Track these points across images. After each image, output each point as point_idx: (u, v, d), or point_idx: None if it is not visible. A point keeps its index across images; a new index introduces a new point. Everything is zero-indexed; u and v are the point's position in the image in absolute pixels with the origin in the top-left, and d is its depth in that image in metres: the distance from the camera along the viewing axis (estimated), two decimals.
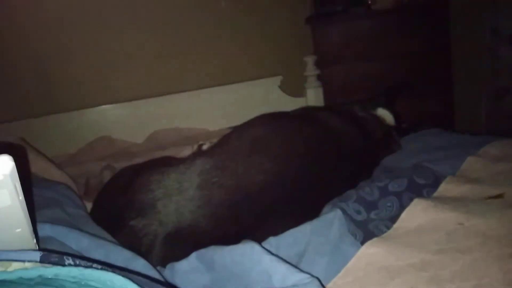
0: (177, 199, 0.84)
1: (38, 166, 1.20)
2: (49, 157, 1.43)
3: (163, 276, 0.73)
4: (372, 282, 0.66)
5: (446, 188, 0.90)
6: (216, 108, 1.94)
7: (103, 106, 1.86)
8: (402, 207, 0.83)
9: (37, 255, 0.44)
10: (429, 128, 1.30)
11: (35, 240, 0.51)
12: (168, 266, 0.78)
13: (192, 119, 1.90)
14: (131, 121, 1.87)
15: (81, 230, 0.78)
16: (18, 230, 0.46)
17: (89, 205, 1.05)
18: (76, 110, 1.83)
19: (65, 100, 1.84)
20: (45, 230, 0.72)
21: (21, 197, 0.43)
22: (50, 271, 0.40)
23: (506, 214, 0.76)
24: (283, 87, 2.00)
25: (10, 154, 0.40)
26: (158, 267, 0.77)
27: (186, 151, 1.44)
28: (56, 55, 1.81)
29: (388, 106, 1.34)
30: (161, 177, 0.88)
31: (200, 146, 1.41)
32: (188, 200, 0.84)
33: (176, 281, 0.74)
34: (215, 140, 1.17)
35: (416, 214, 0.79)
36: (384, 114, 1.32)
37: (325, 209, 0.89)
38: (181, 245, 0.81)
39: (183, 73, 1.96)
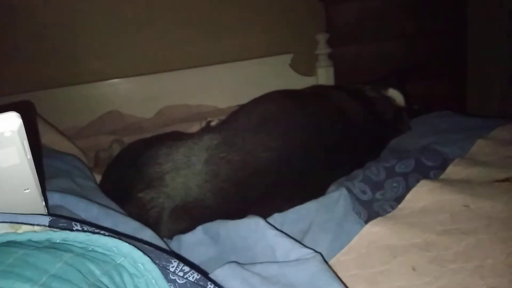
0: (185, 173, 0.85)
1: (48, 137, 1.21)
2: (59, 130, 1.44)
3: (169, 247, 0.75)
4: (375, 259, 0.67)
5: (453, 170, 0.90)
6: (226, 85, 1.93)
7: (113, 80, 1.86)
8: (408, 188, 0.83)
9: (46, 220, 0.45)
10: (440, 110, 1.29)
11: (44, 203, 0.51)
12: (175, 238, 0.80)
13: (202, 96, 1.90)
14: (140, 96, 1.87)
15: (90, 200, 0.80)
16: (27, 190, 0.46)
17: (98, 177, 1.06)
18: (86, 83, 1.84)
19: (76, 73, 1.84)
20: (55, 199, 0.74)
21: (29, 156, 0.43)
22: (58, 235, 0.41)
23: None
24: (294, 66, 1.97)
25: (18, 112, 0.40)
26: (165, 239, 0.79)
27: (195, 127, 1.45)
28: (66, 28, 1.81)
29: (399, 87, 1.32)
30: (169, 151, 0.89)
31: (209, 122, 1.41)
32: (195, 174, 0.85)
33: (182, 253, 0.76)
34: (223, 117, 1.17)
35: (422, 195, 0.79)
36: (395, 94, 1.30)
37: (331, 187, 0.90)
38: (188, 218, 0.82)
39: (194, 49, 1.94)
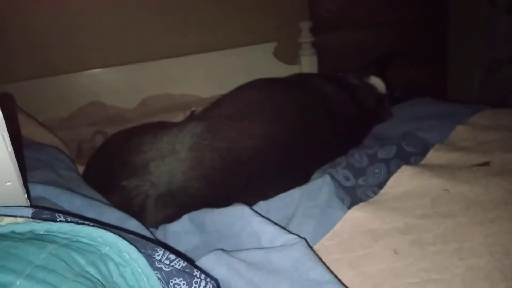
0: (169, 160, 0.85)
1: (29, 129, 1.19)
2: (40, 121, 1.41)
3: (155, 237, 0.75)
4: (357, 244, 0.68)
5: (434, 155, 0.92)
6: (209, 74, 1.91)
7: (95, 70, 1.82)
8: (389, 174, 0.85)
9: (29, 211, 0.45)
10: (421, 97, 1.31)
11: (26, 195, 0.51)
12: (160, 227, 0.80)
13: (185, 85, 1.88)
14: (123, 86, 1.84)
15: (73, 191, 0.79)
16: (8, 183, 0.46)
17: (81, 169, 1.05)
18: (67, 73, 1.80)
19: (56, 63, 1.80)
20: (37, 190, 0.73)
21: (10, 148, 0.43)
22: (42, 226, 0.41)
23: (491, 181, 0.78)
24: (278, 54, 1.97)
25: None
26: (151, 229, 0.79)
27: (179, 117, 1.44)
28: (47, 17, 1.76)
29: (380, 74, 1.33)
30: (153, 139, 0.89)
31: (193, 112, 1.41)
32: (180, 161, 0.85)
33: (168, 241, 0.76)
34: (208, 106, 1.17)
35: (403, 180, 0.81)
36: (377, 82, 1.31)
37: (315, 175, 0.91)
38: (173, 205, 0.82)
39: (176, 38, 1.91)
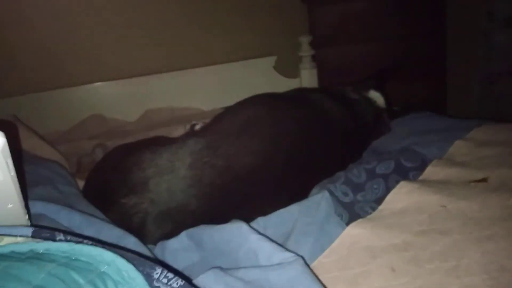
0: (168, 178, 0.85)
1: (29, 143, 1.20)
2: (40, 135, 1.42)
3: (153, 254, 0.75)
4: (355, 261, 0.69)
5: (432, 171, 0.92)
6: (210, 88, 1.93)
7: (96, 84, 1.84)
8: (388, 190, 0.85)
9: (29, 231, 0.45)
10: (420, 112, 1.31)
11: (27, 216, 0.52)
12: (159, 244, 0.80)
13: (185, 99, 1.90)
14: (124, 100, 1.86)
15: (72, 207, 0.79)
16: (10, 205, 0.47)
17: (81, 183, 1.06)
18: (68, 87, 1.82)
19: (57, 77, 1.82)
20: (37, 207, 0.73)
21: (13, 173, 0.44)
22: (41, 246, 0.41)
23: (488, 197, 0.78)
24: (278, 68, 1.99)
25: (1, 130, 0.41)
26: (149, 245, 0.79)
27: (179, 131, 1.45)
28: (48, 32, 1.78)
29: (379, 89, 1.35)
30: (153, 156, 0.89)
31: (193, 125, 1.42)
32: (179, 179, 0.85)
33: (166, 258, 0.76)
34: (208, 120, 1.18)
35: (401, 196, 0.81)
36: (376, 96, 1.32)
37: (314, 190, 0.91)
38: (171, 223, 0.83)
39: (177, 51, 1.94)
